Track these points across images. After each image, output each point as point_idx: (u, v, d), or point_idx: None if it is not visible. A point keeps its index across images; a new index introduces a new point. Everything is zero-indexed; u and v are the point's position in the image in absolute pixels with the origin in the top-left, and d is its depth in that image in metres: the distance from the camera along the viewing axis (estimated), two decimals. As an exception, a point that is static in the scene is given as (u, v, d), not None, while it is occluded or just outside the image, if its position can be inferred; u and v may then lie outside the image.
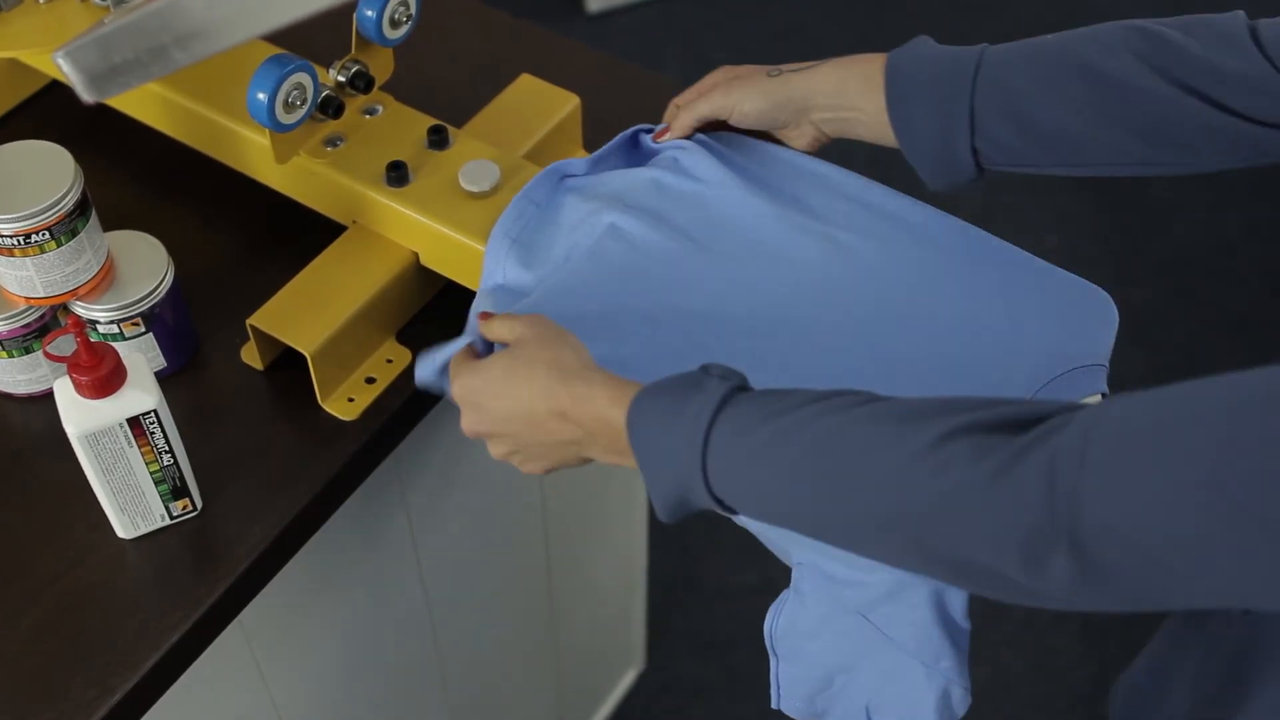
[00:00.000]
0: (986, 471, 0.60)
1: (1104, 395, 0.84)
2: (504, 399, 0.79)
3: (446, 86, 1.14)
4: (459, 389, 0.81)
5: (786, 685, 0.85)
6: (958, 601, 0.77)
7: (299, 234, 1.04)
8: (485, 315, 0.85)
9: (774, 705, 0.86)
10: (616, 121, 1.13)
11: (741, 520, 0.78)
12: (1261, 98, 0.81)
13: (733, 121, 0.95)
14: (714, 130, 0.97)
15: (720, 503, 0.71)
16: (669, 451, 0.71)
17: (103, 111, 1.08)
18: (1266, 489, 0.53)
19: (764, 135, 0.96)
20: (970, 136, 0.87)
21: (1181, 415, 0.57)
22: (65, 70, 0.75)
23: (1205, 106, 0.82)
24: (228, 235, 1.07)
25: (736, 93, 0.93)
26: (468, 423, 0.82)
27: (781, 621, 0.83)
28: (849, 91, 0.90)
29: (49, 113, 1.14)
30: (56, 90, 1.16)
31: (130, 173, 1.11)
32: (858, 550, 0.69)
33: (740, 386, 0.72)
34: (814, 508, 0.68)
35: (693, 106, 0.96)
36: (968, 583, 0.66)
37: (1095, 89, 0.84)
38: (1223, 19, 0.84)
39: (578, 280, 0.89)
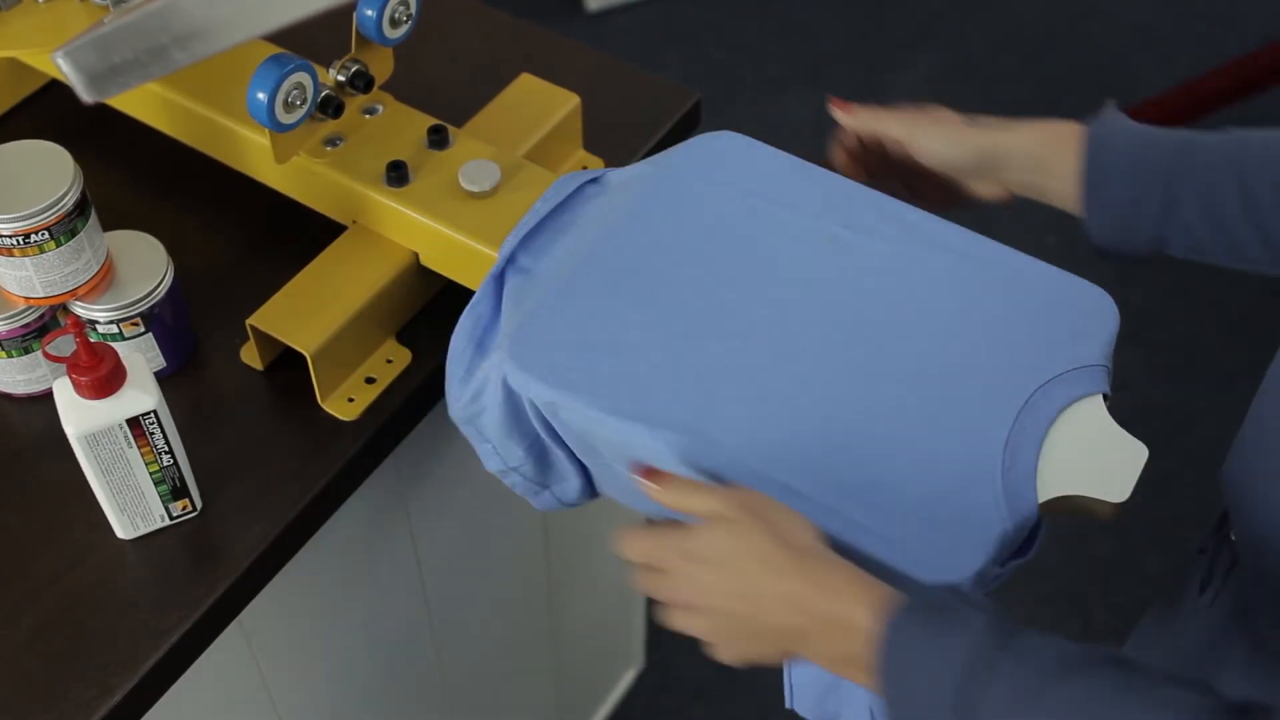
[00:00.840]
0: None
1: (1105, 396, 0.84)
2: (724, 571, 0.70)
3: (446, 86, 1.13)
4: (660, 551, 0.73)
5: (799, 686, 0.85)
6: None
7: (299, 234, 1.04)
8: (653, 473, 0.76)
9: (788, 705, 0.87)
10: (617, 121, 1.13)
11: None
12: None
13: (913, 154, 0.94)
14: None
15: None
16: (925, 690, 0.65)
17: (102, 111, 1.08)
18: None
19: (943, 180, 0.96)
20: (1158, 224, 0.88)
21: None
22: (64, 70, 0.74)
23: None
24: (227, 235, 1.07)
25: (928, 128, 0.93)
26: (666, 589, 0.74)
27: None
28: (1044, 162, 0.91)
29: (49, 112, 1.14)
30: (56, 90, 1.15)
31: (130, 172, 1.11)
32: None
33: (1005, 628, 0.66)
34: None
35: (883, 120, 0.95)
36: None
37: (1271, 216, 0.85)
38: None
39: (577, 282, 0.89)
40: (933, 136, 0.93)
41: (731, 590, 0.70)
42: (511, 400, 0.86)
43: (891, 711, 0.68)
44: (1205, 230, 0.87)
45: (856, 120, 0.96)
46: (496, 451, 0.89)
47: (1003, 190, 0.95)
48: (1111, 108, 0.91)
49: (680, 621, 0.75)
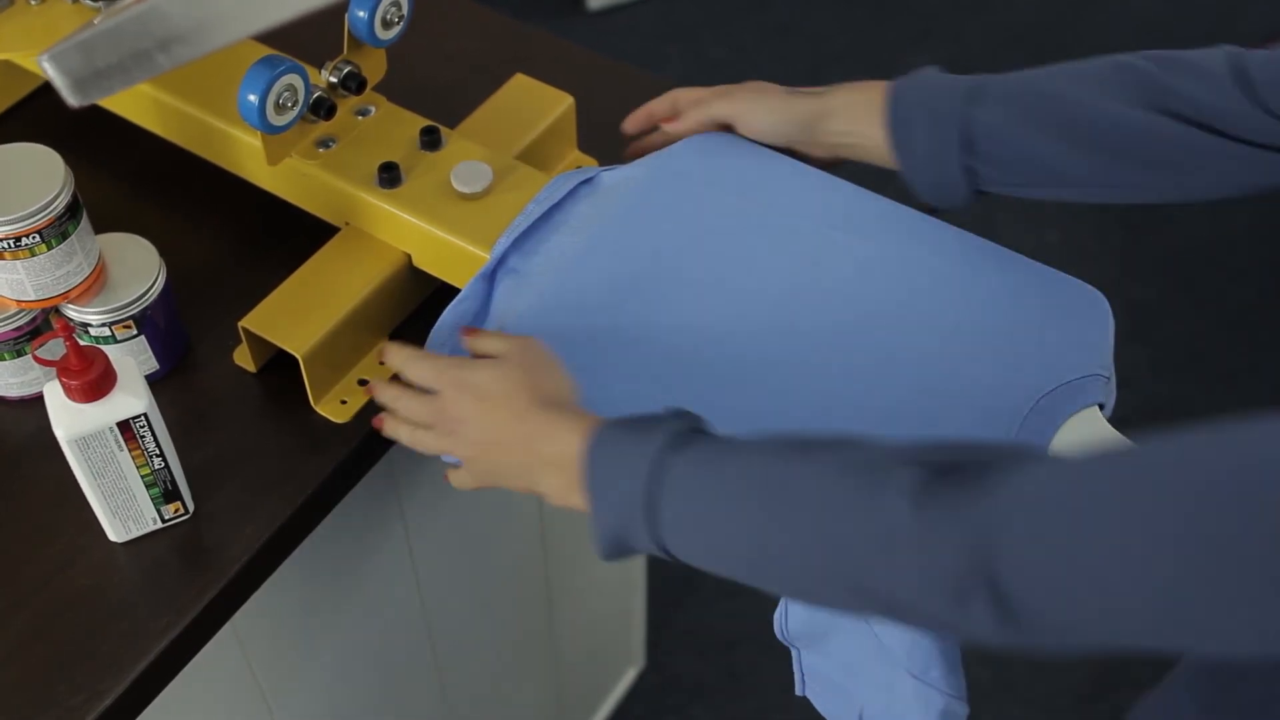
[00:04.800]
0: (924, 521, 0.62)
1: (1102, 407, 0.83)
2: (479, 405, 0.79)
3: (439, 87, 1.13)
4: (436, 373, 0.82)
5: (810, 674, 0.87)
6: None
7: (291, 235, 1.03)
8: (471, 331, 0.85)
9: (798, 692, 0.89)
10: (612, 121, 1.12)
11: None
12: (1248, 120, 0.83)
13: (741, 130, 0.97)
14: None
15: (663, 548, 0.72)
16: (619, 488, 0.72)
17: (95, 113, 1.07)
18: (1166, 548, 0.55)
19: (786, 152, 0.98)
20: (961, 157, 0.90)
21: (1099, 484, 0.58)
22: (50, 74, 0.74)
23: (1184, 127, 0.85)
24: (220, 237, 1.07)
25: (751, 103, 0.97)
26: (427, 411, 0.82)
27: (793, 623, 0.84)
28: (856, 116, 0.94)
29: (42, 115, 1.14)
30: (49, 93, 1.15)
31: (122, 174, 1.11)
32: (799, 596, 0.70)
33: (696, 428, 0.73)
34: (756, 554, 0.69)
35: (707, 105, 0.98)
36: (907, 623, 0.67)
37: (1072, 119, 0.88)
38: (1203, 56, 0.86)
39: (568, 288, 0.88)
40: (758, 113, 0.96)
41: (480, 423, 0.79)
42: None
43: (596, 525, 0.74)
44: (1011, 160, 0.90)
45: (691, 122, 0.99)
46: None
47: (829, 153, 0.98)
48: (928, 66, 0.95)
49: (435, 443, 0.83)
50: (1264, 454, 0.54)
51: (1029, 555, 0.59)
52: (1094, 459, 0.59)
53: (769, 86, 0.98)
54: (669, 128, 1.00)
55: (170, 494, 0.88)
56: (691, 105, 0.99)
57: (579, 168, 1.03)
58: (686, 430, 0.72)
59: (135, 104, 1.05)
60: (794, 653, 0.87)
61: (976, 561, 0.60)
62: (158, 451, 0.86)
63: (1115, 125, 0.87)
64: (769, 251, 0.90)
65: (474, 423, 0.80)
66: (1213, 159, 0.85)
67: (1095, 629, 0.59)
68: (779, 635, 0.86)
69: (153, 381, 0.96)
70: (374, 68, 1.00)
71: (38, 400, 0.94)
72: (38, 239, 0.87)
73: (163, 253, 0.96)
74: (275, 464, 0.93)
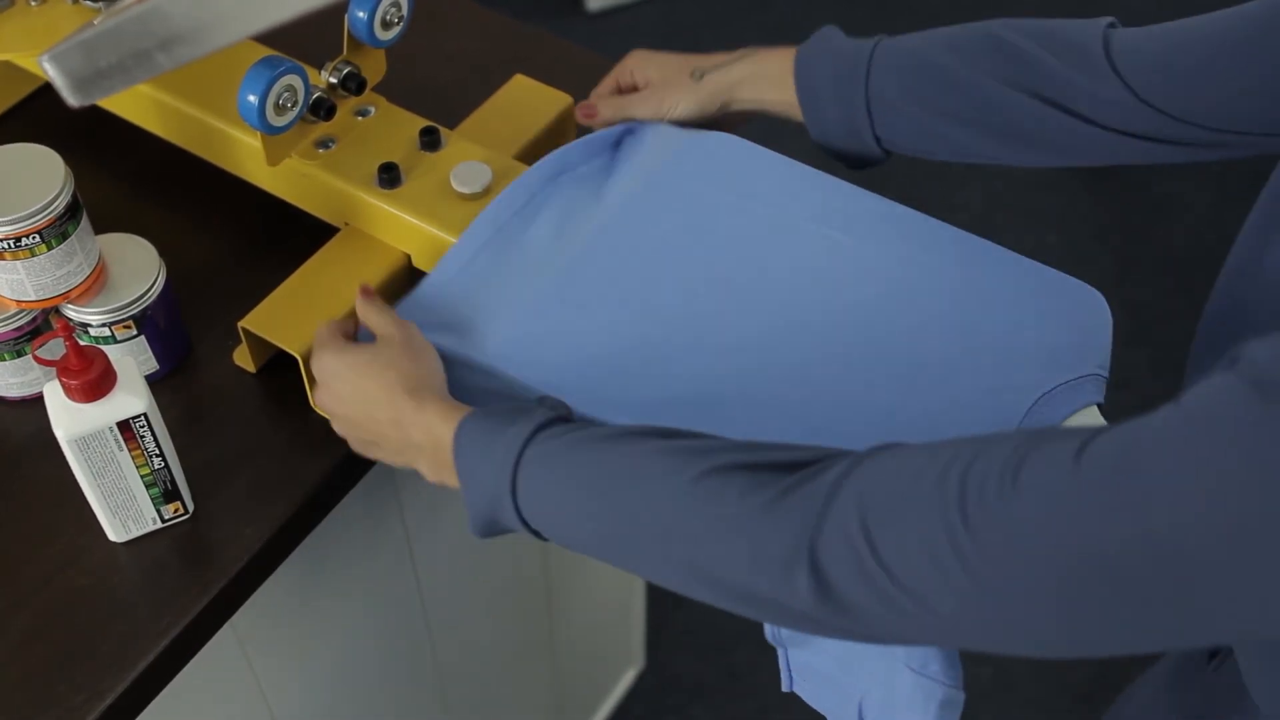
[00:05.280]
0: (752, 505, 0.66)
1: (1099, 406, 0.83)
2: (354, 391, 0.83)
3: (439, 87, 1.13)
4: (319, 363, 0.86)
5: (799, 670, 0.88)
6: None
7: (291, 236, 1.03)
8: (368, 291, 0.88)
9: (784, 689, 0.89)
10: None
11: None
12: (1110, 108, 0.88)
13: (666, 121, 1.01)
14: None
15: (527, 525, 0.76)
16: (484, 472, 0.76)
17: (95, 114, 1.08)
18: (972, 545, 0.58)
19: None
20: (870, 122, 0.96)
21: (922, 471, 0.61)
22: (50, 74, 0.74)
23: (1056, 112, 0.90)
24: (220, 237, 1.07)
25: (669, 100, 1.01)
26: (319, 398, 0.87)
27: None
28: (763, 87, 0.99)
29: (42, 115, 1.14)
30: (50, 93, 1.15)
31: (122, 175, 1.11)
32: (645, 574, 0.73)
33: (562, 417, 0.77)
34: (604, 533, 0.73)
35: (624, 109, 1.02)
36: (738, 606, 0.69)
37: (949, 92, 0.93)
38: (1080, 30, 0.90)
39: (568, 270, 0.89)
40: (677, 103, 1.00)
41: (358, 403, 0.83)
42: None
43: (468, 506, 0.78)
44: (907, 130, 0.96)
45: (603, 117, 1.03)
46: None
47: (741, 119, 1.03)
48: (829, 27, 1.01)
49: (335, 429, 0.88)
50: (1031, 478, 0.57)
51: (841, 538, 0.62)
52: (926, 451, 0.62)
53: (669, 66, 1.02)
54: (587, 121, 1.03)
55: (170, 494, 0.89)
56: (607, 104, 1.03)
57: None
58: (549, 419, 0.76)
59: (135, 105, 1.05)
60: (780, 651, 0.87)
61: (802, 539, 0.63)
62: (157, 451, 0.86)
63: (986, 102, 0.92)
64: (767, 251, 0.90)
65: (350, 406, 0.84)
66: (1073, 138, 0.91)
67: (904, 625, 0.61)
68: (769, 638, 0.86)
69: (153, 381, 0.96)
70: (374, 68, 1.00)
71: (38, 400, 0.95)
72: (38, 239, 0.87)
73: (163, 253, 0.96)
74: (275, 464, 0.93)
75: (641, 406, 0.81)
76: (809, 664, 0.87)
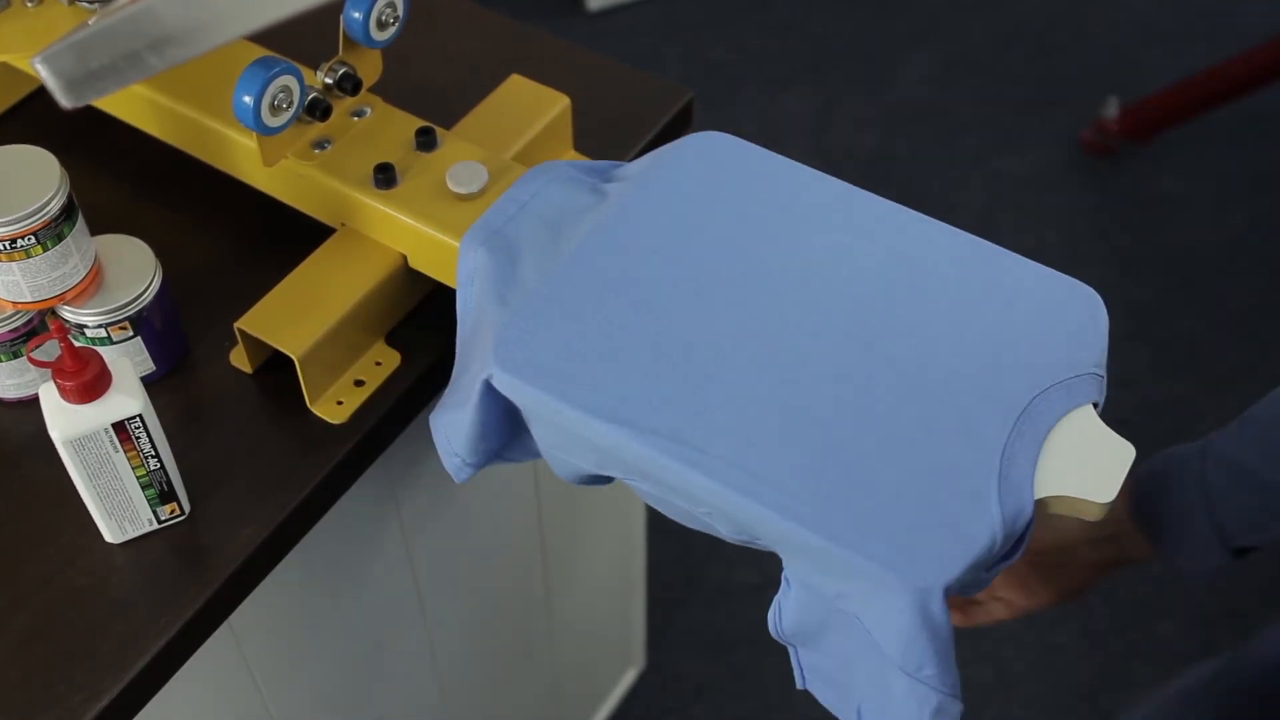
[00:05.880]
0: None
1: (1096, 405, 0.83)
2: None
3: (435, 87, 1.13)
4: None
5: (810, 669, 0.87)
6: (938, 608, 0.76)
7: (287, 236, 1.04)
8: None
9: (799, 686, 0.90)
10: (608, 121, 1.13)
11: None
12: None
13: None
14: None
15: None
16: None
17: (92, 115, 1.08)
18: None
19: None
20: (1211, 514, 0.92)
21: None
22: (43, 75, 0.74)
23: None
24: (216, 238, 1.07)
25: (1016, 605, 1.07)
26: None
27: (786, 623, 0.84)
28: (1111, 536, 1.00)
29: (39, 117, 1.14)
30: (46, 94, 1.15)
31: (118, 176, 1.11)
32: None
33: None
34: None
35: (988, 612, 1.09)
36: None
37: None
38: None
39: (576, 281, 0.89)
40: (1016, 604, 1.06)
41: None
42: (485, 403, 0.85)
43: None
44: (1256, 509, 0.92)
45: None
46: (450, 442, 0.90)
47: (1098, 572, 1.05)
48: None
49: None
50: None
51: None
52: None
53: (1020, 581, 1.05)
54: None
55: (166, 495, 0.89)
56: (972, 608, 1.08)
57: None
58: None
59: (131, 106, 1.05)
60: (791, 649, 0.87)
61: None
62: (153, 452, 0.86)
63: None
64: (766, 252, 0.90)
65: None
66: None
67: None
68: (773, 634, 0.86)
69: (150, 382, 0.96)
70: (370, 69, 1.00)
71: (35, 402, 0.95)
72: (33, 240, 0.88)
73: (159, 254, 0.96)
74: (271, 465, 0.94)
75: (641, 405, 0.81)
76: (818, 664, 0.87)
